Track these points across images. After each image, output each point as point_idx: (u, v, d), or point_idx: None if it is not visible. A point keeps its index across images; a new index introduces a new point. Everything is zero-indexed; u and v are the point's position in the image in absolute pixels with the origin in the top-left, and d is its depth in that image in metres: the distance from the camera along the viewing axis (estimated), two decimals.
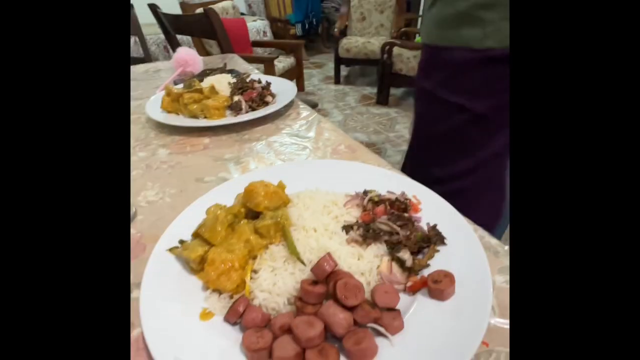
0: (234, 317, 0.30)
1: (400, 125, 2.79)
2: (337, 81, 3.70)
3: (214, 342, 0.29)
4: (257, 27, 3.63)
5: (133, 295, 0.36)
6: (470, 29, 0.54)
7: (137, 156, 0.65)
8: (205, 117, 0.72)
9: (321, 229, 0.37)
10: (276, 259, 0.34)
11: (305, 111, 0.81)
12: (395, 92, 3.29)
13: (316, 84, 3.72)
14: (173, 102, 0.75)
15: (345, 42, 3.46)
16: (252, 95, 0.76)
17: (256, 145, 0.67)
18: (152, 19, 1.80)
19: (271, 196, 0.38)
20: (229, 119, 0.72)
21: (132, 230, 0.46)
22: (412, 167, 0.75)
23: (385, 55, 2.87)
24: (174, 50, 1.64)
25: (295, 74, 3.10)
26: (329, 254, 0.32)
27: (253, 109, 0.75)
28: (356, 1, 3.57)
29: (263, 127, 0.74)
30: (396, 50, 2.87)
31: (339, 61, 3.60)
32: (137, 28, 1.47)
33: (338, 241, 0.36)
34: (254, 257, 0.35)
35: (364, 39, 3.46)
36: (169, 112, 0.76)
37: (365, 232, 0.36)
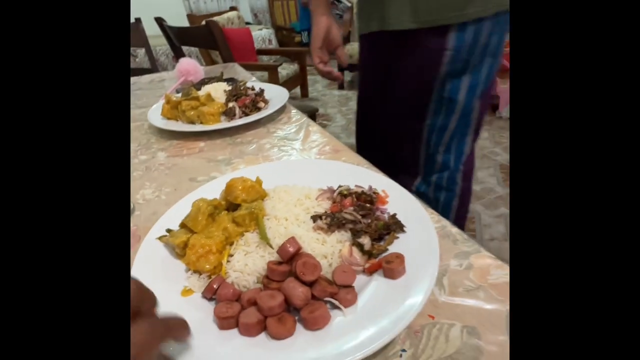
0: (210, 293, 0.35)
1: None
2: (340, 87, 3.75)
3: (191, 314, 0.33)
4: (263, 35, 3.73)
5: None
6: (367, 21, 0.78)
7: (139, 159, 0.71)
8: (202, 123, 0.78)
9: (292, 218, 0.41)
10: (250, 244, 0.39)
11: (296, 115, 0.86)
12: None
13: (320, 90, 3.78)
14: (172, 109, 0.81)
15: (348, 48, 3.52)
16: (246, 101, 0.82)
17: (247, 148, 0.72)
18: (159, 31, 1.89)
19: (248, 190, 0.43)
20: (223, 123, 0.78)
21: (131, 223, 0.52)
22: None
23: None
24: (177, 60, 1.71)
25: (299, 80, 3.17)
26: (293, 237, 0.36)
27: (246, 114, 0.80)
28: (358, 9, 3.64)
29: (255, 131, 0.79)
30: None
31: (342, 67, 3.66)
32: (144, 41, 1.56)
33: (305, 228, 0.40)
34: (231, 243, 0.39)
35: None
36: (168, 118, 0.82)
37: (331, 220, 0.40)
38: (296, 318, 0.32)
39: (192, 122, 0.79)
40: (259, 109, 0.82)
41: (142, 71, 1.58)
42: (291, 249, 0.35)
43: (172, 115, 0.82)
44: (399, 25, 0.68)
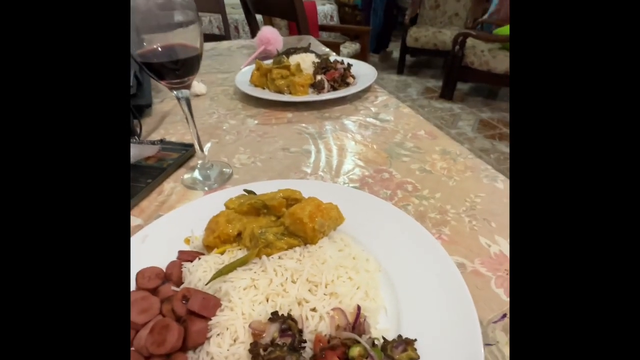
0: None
1: (463, 122, 2.66)
2: (400, 71, 3.60)
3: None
4: (325, 10, 3.63)
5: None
6: None
7: (229, 123, 0.72)
8: (290, 93, 0.77)
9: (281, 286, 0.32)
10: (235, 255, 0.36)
11: (382, 95, 0.82)
12: (462, 87, 3.13)
13: (378, 74, 3.66)
14: (261, 77, 0.80)
15: (414, 31, 3.34)
16: (335, 75, 0.79)
17: (336, 123, 0.70)
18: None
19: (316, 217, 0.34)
20: (312, 96, 0.76)
21: (229, 185, 0.52)
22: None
23: (457, 47, 2.72)
24: (250, 29, 1.71)
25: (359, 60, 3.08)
26: (217, 300, 0.31)
27: (334, 89, 0.78)
28: None
29: (342, 107, 0.76)
30: (470, 41, 2.71)
31: (405, 50, 3.48)
32: (222, 7, 1.57)
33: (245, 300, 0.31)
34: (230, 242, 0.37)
35: (435, 29, 3.30)
36: (256, 85, 0.82)
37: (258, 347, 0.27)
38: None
39: (280, 92, 0.78)
40: (347, 85, 0.79)
41: (216, 37, 1.61)
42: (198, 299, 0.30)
43: (259, 82, 0.81)
44: None
